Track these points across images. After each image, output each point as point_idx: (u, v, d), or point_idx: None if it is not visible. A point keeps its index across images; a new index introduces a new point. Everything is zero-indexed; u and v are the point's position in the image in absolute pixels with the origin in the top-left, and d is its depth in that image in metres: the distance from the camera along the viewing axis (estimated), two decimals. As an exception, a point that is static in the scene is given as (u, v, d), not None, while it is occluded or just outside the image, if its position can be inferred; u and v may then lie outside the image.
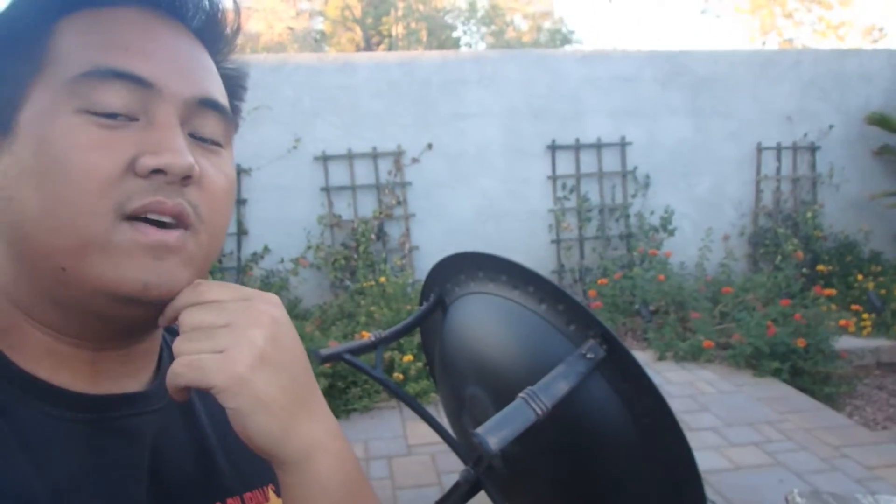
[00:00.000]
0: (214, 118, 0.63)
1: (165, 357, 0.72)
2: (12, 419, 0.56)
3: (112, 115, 0.56)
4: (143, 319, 0.61)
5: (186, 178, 0.57)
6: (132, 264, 0.56)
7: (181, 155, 0.56)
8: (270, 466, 0.60)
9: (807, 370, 4.93)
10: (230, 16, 0.68)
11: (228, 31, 0.68)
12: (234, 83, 0.72)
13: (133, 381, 0.66)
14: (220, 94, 0.65)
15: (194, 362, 0.55)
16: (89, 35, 0.58)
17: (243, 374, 0.55)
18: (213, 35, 0.67)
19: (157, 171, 0.56)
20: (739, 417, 4.25)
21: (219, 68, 0.68)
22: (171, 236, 0.57)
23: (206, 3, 0.65)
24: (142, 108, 0.57)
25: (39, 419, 0.57)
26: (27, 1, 0.59)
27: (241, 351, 0.55)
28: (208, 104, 0.62)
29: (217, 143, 0.64)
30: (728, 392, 4.69)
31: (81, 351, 0.61)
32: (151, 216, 0.56)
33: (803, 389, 4.77)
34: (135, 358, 0.67)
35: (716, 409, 4.40)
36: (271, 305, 0.60)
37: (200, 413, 0.72)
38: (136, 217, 0.56)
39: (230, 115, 0.66)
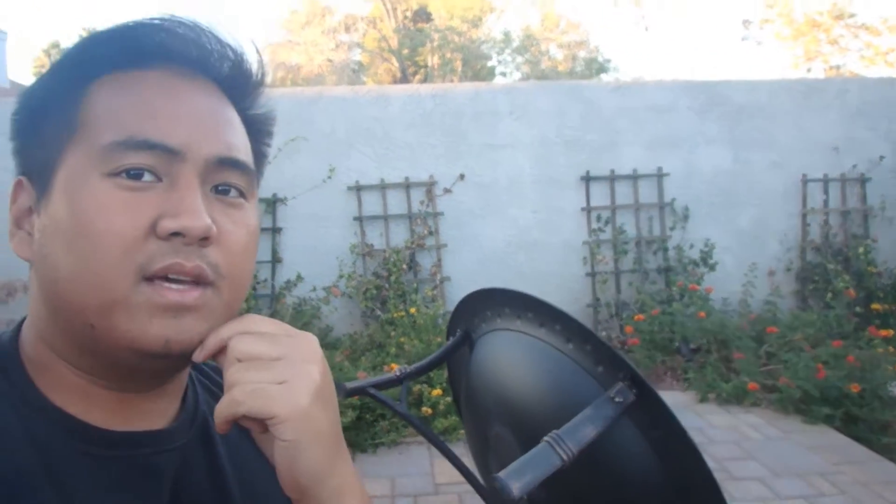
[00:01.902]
0: (236, 173, 0.65)
1: (190, 394, 0.74)
2: (47, 455, 0.59)
3: (138, 178, 0.59)
4: (169, 368, 0.66)
5: (204, 239, 0.60)
6: (153, 323, 0.58)
7: (198, 217, 0.59)
8: None
9: (862, 417, 4.64)
10: (255, 61, 0.70)
11: (255, 76, 0.71)
12: (260, 128, 0.74)
13: (160, 417, 0.69)
14: (241, 151, 0.67)
15: (258, 391, 0.58)
16: (118, 100, 0.61)
17: (305, 407, 0.59)
18: (240, 81, 0.69)
19: (176, 234, 0.58)
20: (788, 467, 4.02)
21: (246, 114, 0.71)
22: (190, 296, 0.59)
23: (230, 52, 0.67)
24: (166, 171, 0.60)
25: (70, 456, 0.60)
26: (64, 66, 0.63)
27: (302, 383, 0.59)
28: (229, 162, 0.64)
29: (240, 196, 0.66)
30: (775, 439, 4.46)
31: (111, 392, 0.64)
32: (171, 276, 0.59)
33: (858, 439, 4.47)
34: (162, 396, 0.69)
35: (762, 457, 4.17)
36: (316, 343, 0.65)
37: (221, 450, 0.73)
38: (156, 277, 0.58)
39: (251, 171, 0.68)
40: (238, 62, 0.68)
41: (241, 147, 0.67)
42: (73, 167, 0.60)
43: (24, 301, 4.90)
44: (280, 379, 0.58)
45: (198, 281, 0.60)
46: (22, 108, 0.65)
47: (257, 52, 0.70)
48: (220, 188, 0.65)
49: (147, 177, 0.59)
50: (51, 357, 0.63)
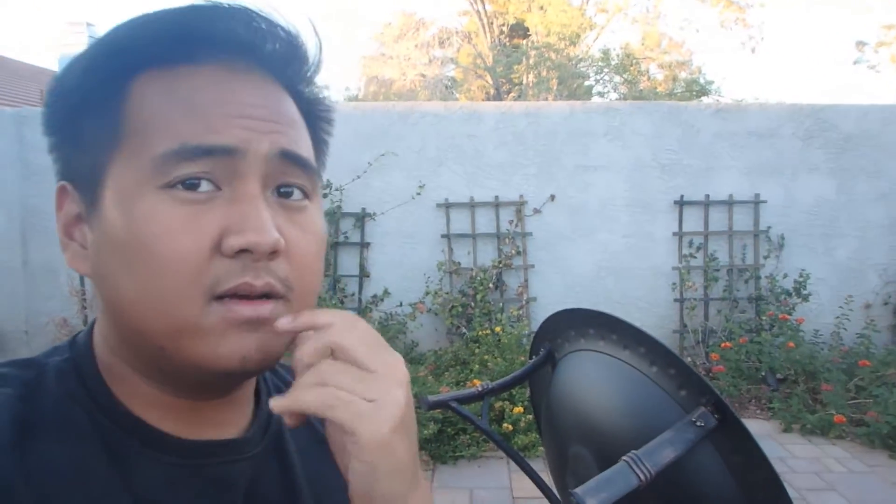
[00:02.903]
0: (298, 170, 0.61)
1: (264, 400, 0.72)
2: (123, 463, 0.58)
3: (195, 188, 0.56)
4: (241, 381, 0.65)
5: (273, 253, 0.57)
6: (228, 341, 0.56)
7: (266, 232, 0.56)
8: None
9: (953, 456, 4.46)
10: (312, 42, 0.65)
11: (312, 58, 0.65)
12: (319, 113, 0.70)
13: (232, 426, 0.68)
14: (302, 147, 0.63)
15: (351, 403, 0.54)
16: (169, 103, 0.57)
17: (387, 434, 0.55)
18: (297, 65, 0.65)
19: (244, 250, 0.56)
20: (871, 501, 3.91)
21: (304, 100, 0.67)
22: (265, 309, 0.57)
23: (282, 32, 0.61)
24: (226, 177, 0.57)
25: (146, 464, 0.60)
26: (101, 59, 0.58)
27: (389, 408, 0.55)
28: (290, 157, 0.60)
29: (304, 197, 0.63)
30: (859, 472, 4.33)
31: (182, 401, 0.63)
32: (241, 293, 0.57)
33: (948, 477, 4.30)
34: (234, 405, 0.68)
35: (844, 489, 4.06)
36: (404, 364, 0.60)
37: (294, 460, 0.72)
38: (226, 296, 0.56)
39: (313, 168, 0.64)
40: (294, 44, 0.63)
41: (301, 143, 0.63)
42: (124, 179, 0.56)
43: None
44: (371, 396, 0.55)
45: (268, 295, 0.58)
46: (56, 103, 0.61)
47: (315, 32, 0.65)
48: (282, 190, 0.61)
49: (205, 185, 0.56)
50: (121, 365, 0.62)
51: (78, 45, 16.04)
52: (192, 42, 0.58)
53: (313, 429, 0.73)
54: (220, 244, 0.55)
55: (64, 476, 0.55)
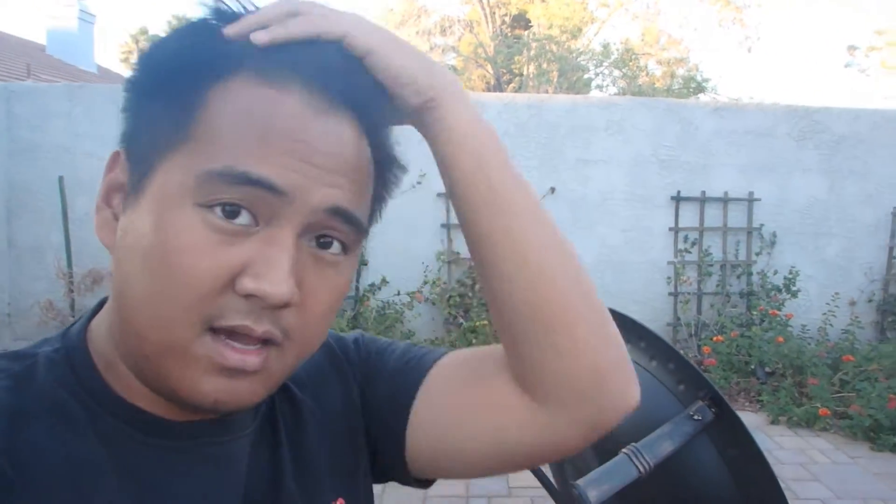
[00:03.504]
0: (345, 228, 0.58)
1: None
2: (113, 446, 0.58)
3: (234, 215, 0.53)
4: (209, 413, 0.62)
5: (283, 306, 0.55)
6: (206, 379, 0.55)
7: (281, 284, 0.53)
8: (339, 481, 0.68)
9: (932, 448, 4.63)
10: None
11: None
12: (391, 166, 0.68)
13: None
14: (358, 203, 0.60)
15: (327, 15, 0.59)
16: (237, 121, 0.54)
17: (369, 23, 0.61)
18: (385, 102, 0.63)
19: (255, 295, 0.53)
20: (852, 491, 4.06)
21: (382, 142, 0.64)
22: (251, 362, 0.55)
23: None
24: (265, 216, 0.54)
25: (137, 447, 0.59)
26: (191, 48, 0.57)
27: (361, 20, 0.61)
28: (339, 213, 0.57)
29: (343, 251, 0.60)
30: (842, 463, 4.50)
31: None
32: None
33: (927, 468, 4.48)
34: None
35: (827, 479, 4.22)
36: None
37: (282, 433, 0.71)
38: (221, 330, 0.54)
39: (363, 230, 0.61)
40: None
41: (359, 199, 0.60)
42: (169, 181, 0.54)
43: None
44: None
45: (264, 342, 0.56)
46: (143, 69, 0.59)
47: None
48: (321, 240, 0.58)
49: (244, 217, 0.53)
50: (115, 354, 0.60)
51: (67, 18, 14.90)
52: (285, 64, 0.56)
53: (297, 402, 0.73)
54: (234, 281, 0.53)
55: (54, 461, 0.54)
